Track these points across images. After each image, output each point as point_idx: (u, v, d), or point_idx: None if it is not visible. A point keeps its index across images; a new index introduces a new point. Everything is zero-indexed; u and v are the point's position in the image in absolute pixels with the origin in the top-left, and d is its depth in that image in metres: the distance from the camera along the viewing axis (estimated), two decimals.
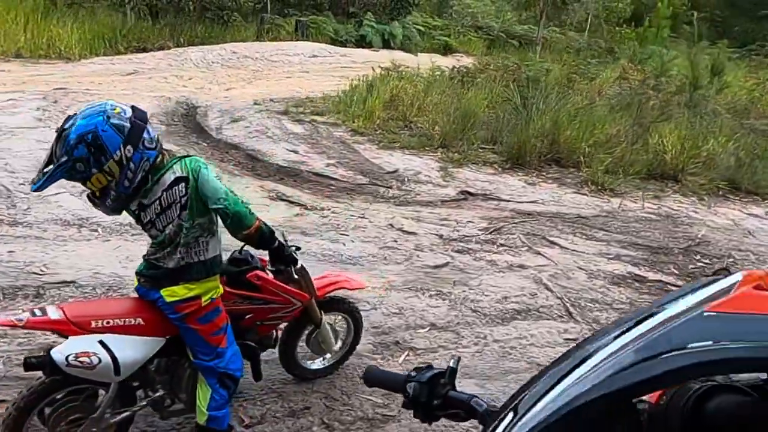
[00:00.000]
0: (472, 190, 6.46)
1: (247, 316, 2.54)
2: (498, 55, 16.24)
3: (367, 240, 4.84)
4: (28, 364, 2.06)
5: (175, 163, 2.11)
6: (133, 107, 2.07)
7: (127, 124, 1.98)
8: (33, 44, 11.26)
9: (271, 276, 2.60)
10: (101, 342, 2.11)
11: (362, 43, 17.07)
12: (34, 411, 2.15)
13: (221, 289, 2.31)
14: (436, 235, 5.15)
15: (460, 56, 17.21)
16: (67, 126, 1.96)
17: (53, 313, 2.09)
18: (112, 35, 12.52)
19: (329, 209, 5.47)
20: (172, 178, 2.08)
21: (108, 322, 2.13)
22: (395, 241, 4.89)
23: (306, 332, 2.89)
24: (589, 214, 6.10)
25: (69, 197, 4.80)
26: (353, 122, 8.18)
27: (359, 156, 7.13)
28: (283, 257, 2.39)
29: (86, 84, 9.78)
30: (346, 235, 4.90)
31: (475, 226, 5.46)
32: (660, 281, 4.68)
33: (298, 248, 2.53)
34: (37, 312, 2.07)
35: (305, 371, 2.97)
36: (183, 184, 2.08)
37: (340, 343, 3.06)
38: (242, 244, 2.42)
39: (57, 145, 1.96)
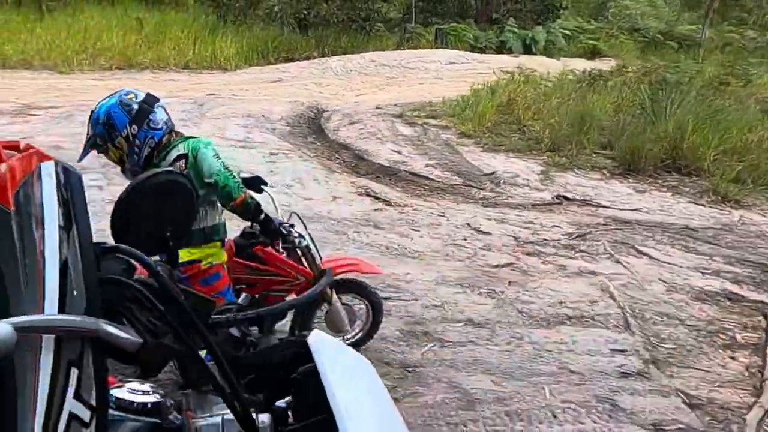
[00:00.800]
0: (569, 195, 6.18)
1: (255, 286, 2.80)
2: (650, 57, 15.09)
3: (436, 236, 4.91)
4: None
5: (180, 142, 2.44)
6: (147, 94, 2.44)
7: (135, 107, 2.34)
8: (199, 57, 12.87)
9: (284, 253, 2.84)
10: None
11: (503, 49, 16.88)
12: None
13: (223, 257, 2.59)
14: (512, 236, 5.05)
15: (609, 60, 16.26)
16: (95, 109, 2.38)
17: None
18: (264, 47, 13.85)
19: (412, 206, 5.61)
20: (176, 155, 2.41)
21: None
22: (465, 239, 4.89)
23: (323, 310, 3.08)
24: (699, 225, 5.53)
25: None
26: (463, 125, 8.22)
27: (460, 158, 7.17)
28: (269, 231, 2.60)
29: (235, 90, 10.95)
30: (417, 230, 5.01)
31: (560, 231, 5.24)
32: (761, 302, 4.13)
33: (292, 225, 2.73)
34: None
35: None
36: (183, 160, 2.40)
37: (359, 325, 3.20)
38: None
39: (89, 124, 2.39)
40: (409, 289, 3.93)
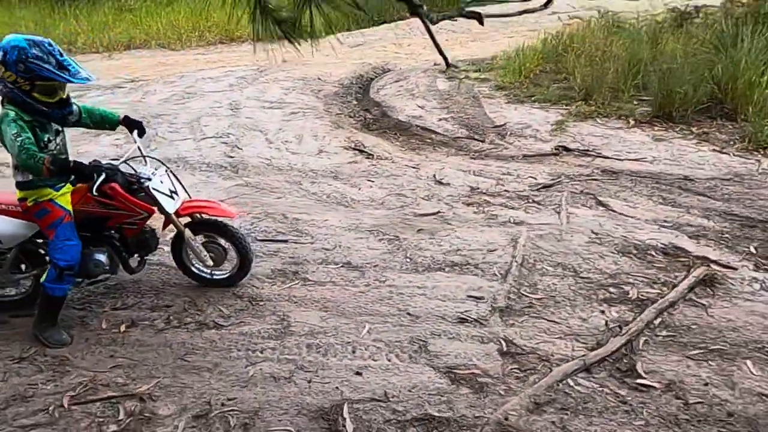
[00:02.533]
0: (573, 146, 5.73)
1: (109, 219, 3.19)
2: None
3: (386, 187, 4.94)
4: None
5: None
6: None
7: None
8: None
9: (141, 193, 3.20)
10: None
11: None
12: None
13: (50, 195, 2.99)
14: (471, 187, 4.90)
15: None
16: None
17: None
18: (354, 12, 14.18)
19: (391, 159, 5.64)
20: None
21: None
22: (413, 190, 4.87)
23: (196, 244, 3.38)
24: (704, 176, 4.84)
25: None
26: (504, 77, 7.86)
27: (479, 111, 6.92)
28: (83, 176, 2.93)
29: (316, 56, 11.45)
30: (372, 181, 5.08)
31: (529, 182, 4.96)
32: (704, 258, 3.61)
33: (110, 170, 3.02)
34: None
35: (195, 277, 3.48)
36: None
37: (228, 265, 3.46)
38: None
39: None
40: (314, 233, 4.09)
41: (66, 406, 2.59)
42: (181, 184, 3.44)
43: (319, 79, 9.29)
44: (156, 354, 2.95)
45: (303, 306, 3.30)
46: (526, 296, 3.29)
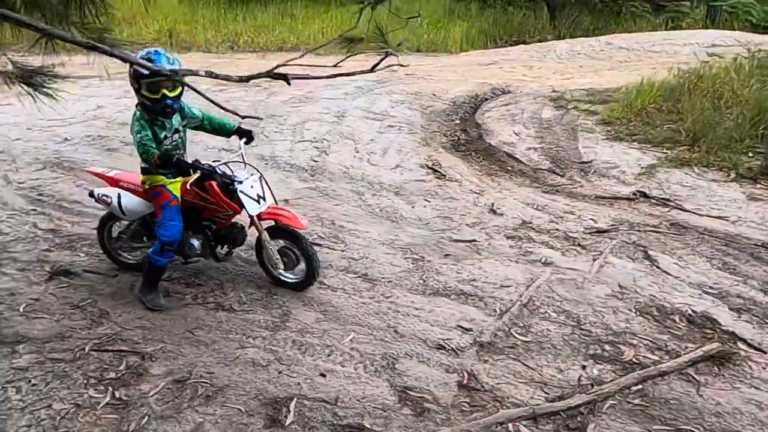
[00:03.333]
0: (654, 193, 5.41)
1: (205, 211, 3.68)
2: None
3: (438, 208, 5.08)
4: (89, 194, 3.89)
5: None
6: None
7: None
8: (430, 41, 14.00)
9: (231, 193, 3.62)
10: (119, 194, 3.77)
11: None
12: (107, 226, 3.97)
13: (161, 181, 3.52)
14: (523, 221, 4.87)
15: None
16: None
17: (110, 173, 3.89)
18: (494, 31, 14.23)
19: (460, 183, 5.74)
20: None
21: (129, 185, 3.76)
22: (463, 215, 4.95)
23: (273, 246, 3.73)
24: None
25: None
26: (613, 112, 7.53)
27: (572, 144, 6.74)
28: (182, 171, 3.48)
29: (445, 71, 11.75)
30: (429, 201, 5.24)
31: (586, 224, 4.81)
32: (732, 335, 3.33)
33: (206, 170, 3.51)
34: (109, 173, 3.88)
35: (268, 273, 3.83)
36: None
37: (297, 271, 3.75)
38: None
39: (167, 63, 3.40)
40: (349, 242, 4.38)
41: (86, 350, 3.16)
42: (270, 191, 3.75)
43: (433, 95, 9.51)
44: (172, 323, 3.44)
45: (307, 306, 3.61)
46: (514, 336, 3.29)
